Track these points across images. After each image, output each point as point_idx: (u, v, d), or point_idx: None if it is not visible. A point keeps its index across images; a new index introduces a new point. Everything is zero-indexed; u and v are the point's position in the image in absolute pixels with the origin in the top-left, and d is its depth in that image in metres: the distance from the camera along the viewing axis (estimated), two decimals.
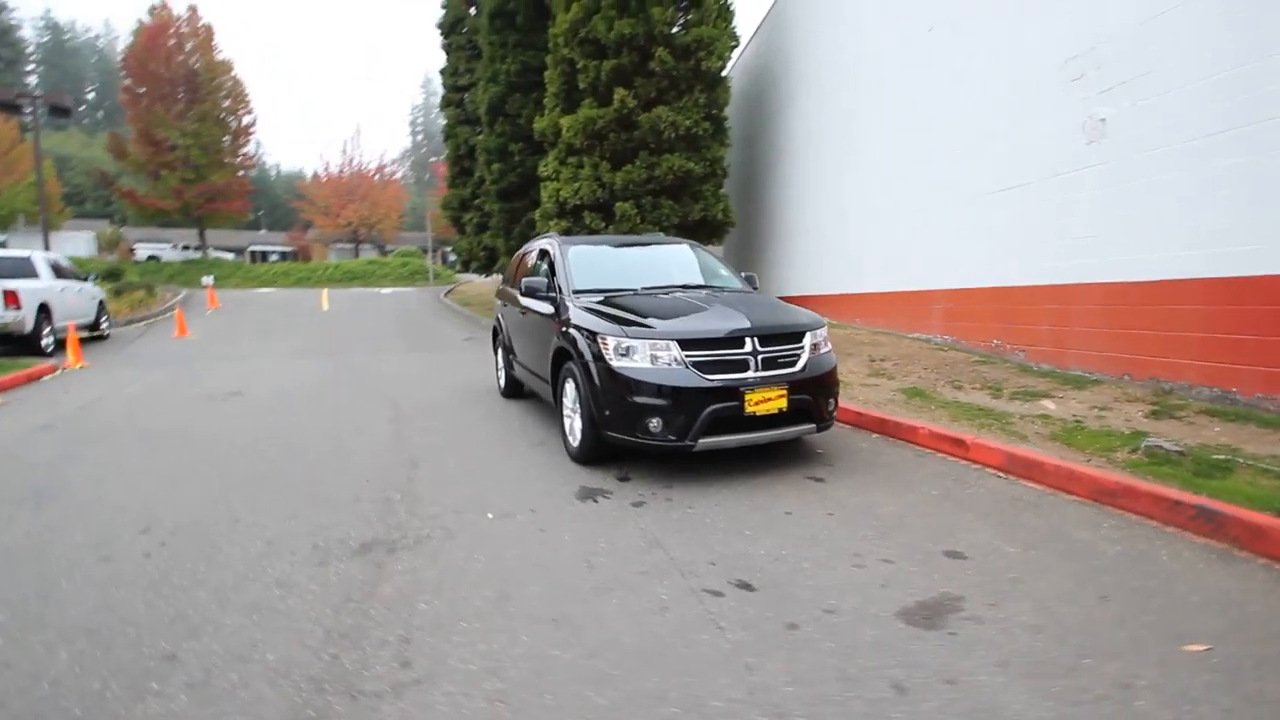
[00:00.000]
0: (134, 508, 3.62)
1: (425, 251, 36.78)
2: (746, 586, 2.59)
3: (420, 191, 61.50)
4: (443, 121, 20.90)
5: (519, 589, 2.63)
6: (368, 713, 1.89)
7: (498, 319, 7.15)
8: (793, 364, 4.07)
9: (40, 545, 3.13)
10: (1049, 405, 5.38)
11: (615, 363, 3.94)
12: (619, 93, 12.20)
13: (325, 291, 24.10)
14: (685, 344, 3.90)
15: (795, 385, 3.98)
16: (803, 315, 4.40)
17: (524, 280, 5.18)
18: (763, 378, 3.93)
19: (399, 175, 53.29)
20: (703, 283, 5.21)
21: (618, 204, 12.34)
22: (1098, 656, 2.08)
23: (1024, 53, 6.60)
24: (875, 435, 5.01)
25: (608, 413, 3.98)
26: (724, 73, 12.84)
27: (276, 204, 58.98)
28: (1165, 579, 2.59)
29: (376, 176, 45.07)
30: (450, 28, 21.40)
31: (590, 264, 5.21)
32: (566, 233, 12.90)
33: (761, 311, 4.34)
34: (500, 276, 17.43)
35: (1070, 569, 2.69)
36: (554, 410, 4.96)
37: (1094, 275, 5.82)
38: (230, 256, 40.44)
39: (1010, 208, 6.82)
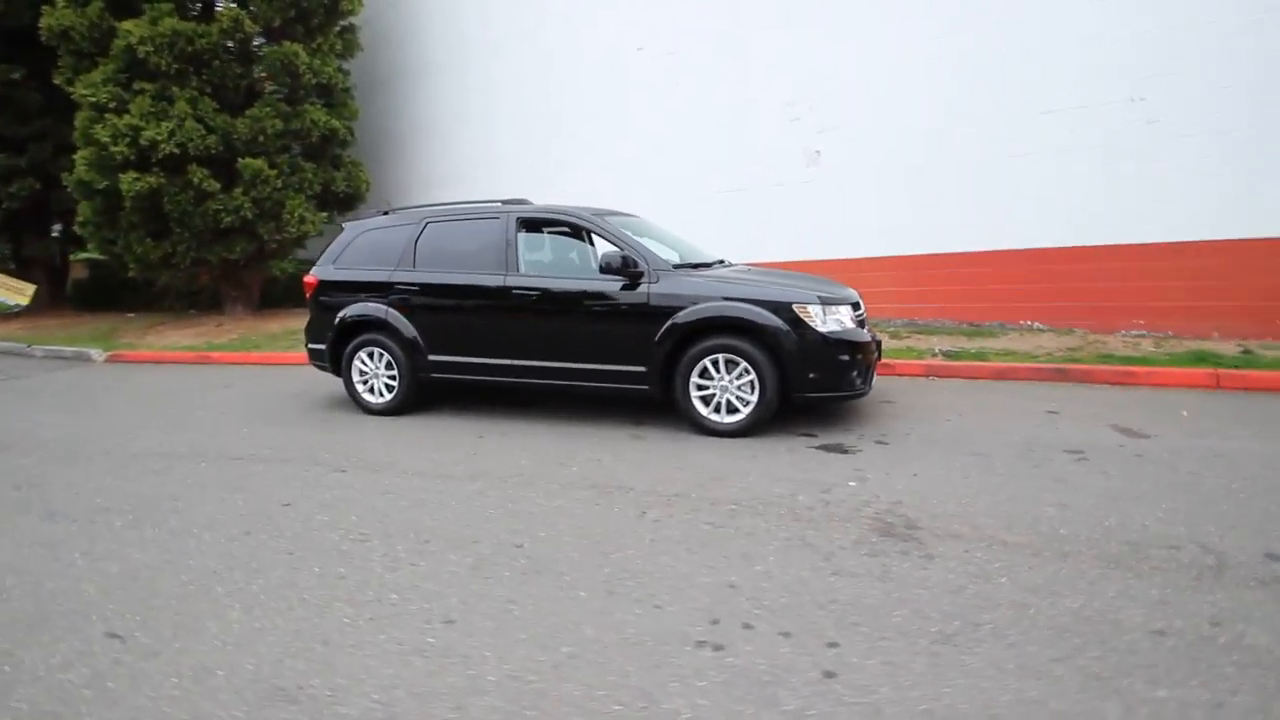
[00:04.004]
0: None
1: None
2: (1081, 454, 3.86)
3: None
4: None
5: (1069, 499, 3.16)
6: None
7: (358, 318, 5.23)
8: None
9: None
10: None
11: (823, 328, 4.22)
12: (229, 8, 9.24)
13: None
14: (853, 307, 4.55)
15: None
16: None
17: (604, 255, 4.37)
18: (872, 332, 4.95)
19: None
20: (716, 257, 5.53)
21: (246, 160, 9.45)
22: (1177, 434, 4.32)
23: (752, 94, 8.89)
24: None
25: (812, 375, 4.24)
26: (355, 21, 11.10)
27: None
28: (1116, 396, 5.11)
29: None
30: None
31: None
32: (155, 193, 9.02)
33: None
34: None
35: (1087, 406, 4.91)
36: (538, 404, 4.51)
37: (815, 256, 8.69)
38: None
39: (745, 211, 9.12)
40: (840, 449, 4.08)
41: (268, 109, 9.58)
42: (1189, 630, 2.09)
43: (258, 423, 5.24)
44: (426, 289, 5.06)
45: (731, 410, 4.39)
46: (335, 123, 10.45)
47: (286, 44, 9.64)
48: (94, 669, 2.06)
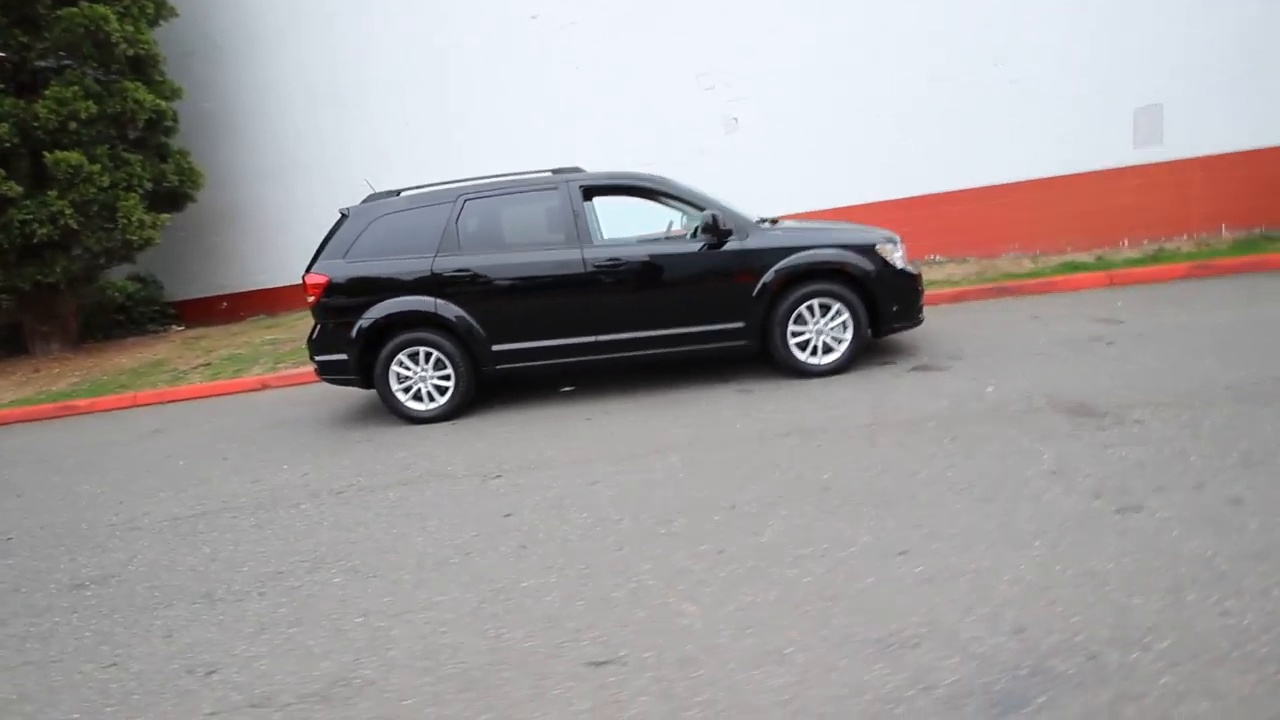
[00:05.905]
0: None
1: None
2: (1104, 339, 4.79)
3: None
4: None
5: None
6: None
7: (396, 315, 4.57)
8: None
9: None
10: None
11: (900, 265, 4.66)
12: None
13: None
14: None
15: None
16: None
17: (708, 215, 4.32)
18: None
19: None
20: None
21: (56, 154, 7.52)
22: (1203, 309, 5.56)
23: (664, 64, 9.04)
24: None
25: (895, 308, 4.68)
26: None
27: None
28: (1058, 301, 6.31)
29: None
30: None
31: None
32: None
33: None
34: None
35: (1051, 310, 6.03)
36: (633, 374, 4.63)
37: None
38: None
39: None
40: (930, 368, 4.60)
41: (74, 88, 7.49)
42: None
43: (293, 455, 4.35)
44: (485, 273, 4.56)
45: (826, 351, 4.68)
46: (161, 103, 8.52)
47: (87, 5, 7.58)
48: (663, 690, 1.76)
